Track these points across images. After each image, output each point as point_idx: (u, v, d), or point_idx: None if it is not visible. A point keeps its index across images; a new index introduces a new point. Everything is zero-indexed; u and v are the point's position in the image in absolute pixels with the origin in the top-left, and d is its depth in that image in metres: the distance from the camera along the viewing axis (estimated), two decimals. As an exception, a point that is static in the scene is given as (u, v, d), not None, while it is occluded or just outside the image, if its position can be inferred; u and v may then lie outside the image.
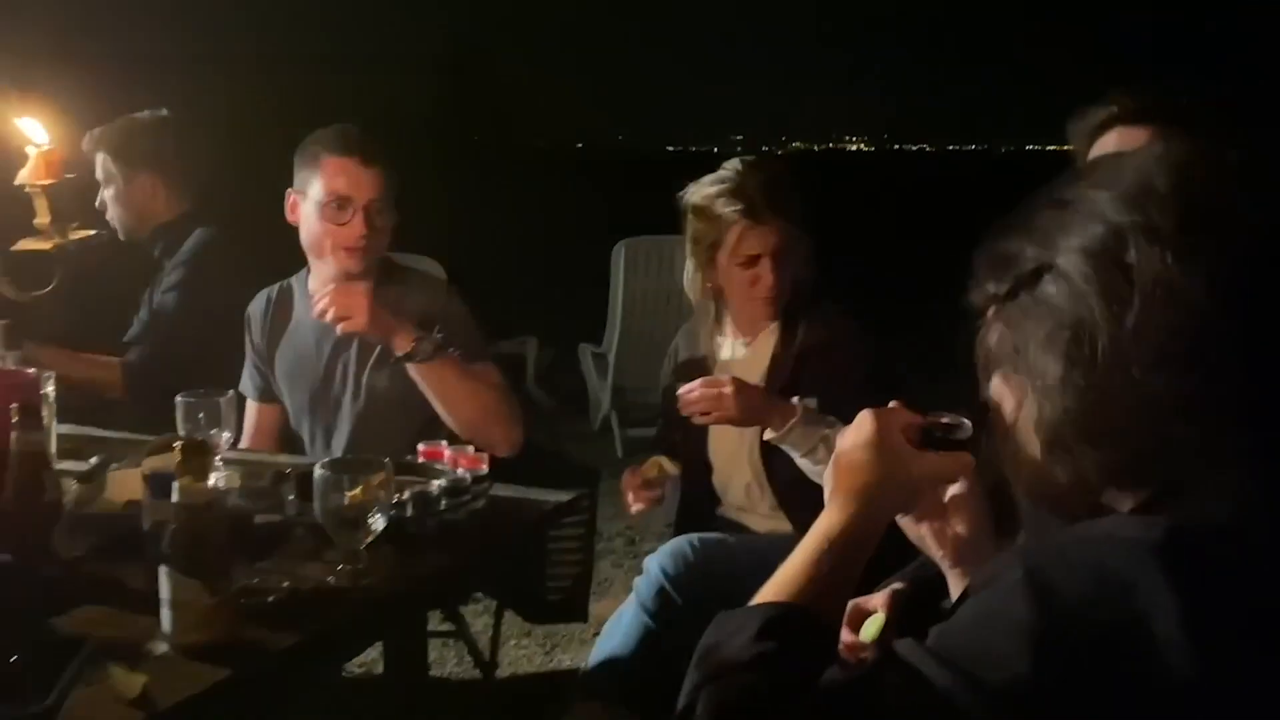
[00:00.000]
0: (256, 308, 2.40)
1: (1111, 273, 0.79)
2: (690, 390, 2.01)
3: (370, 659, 2.78)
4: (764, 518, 2.25)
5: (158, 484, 1.37)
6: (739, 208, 2.11)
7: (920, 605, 1.68)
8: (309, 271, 2.34)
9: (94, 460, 1.77)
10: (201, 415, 1.90)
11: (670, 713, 1.50)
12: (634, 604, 2.03)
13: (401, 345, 2.07)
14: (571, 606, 2.63)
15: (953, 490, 1.13)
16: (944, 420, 1.08)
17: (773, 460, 2.15)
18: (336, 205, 2.14)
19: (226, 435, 1.91)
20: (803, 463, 2.04)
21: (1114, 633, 0.73)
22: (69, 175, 1.74)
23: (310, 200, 2.17)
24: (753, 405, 2.01)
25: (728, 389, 1.98)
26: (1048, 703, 0.73)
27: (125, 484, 1.72)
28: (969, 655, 0.76)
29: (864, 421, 1.05)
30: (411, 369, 2.10)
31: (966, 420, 1.08)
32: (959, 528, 1.12)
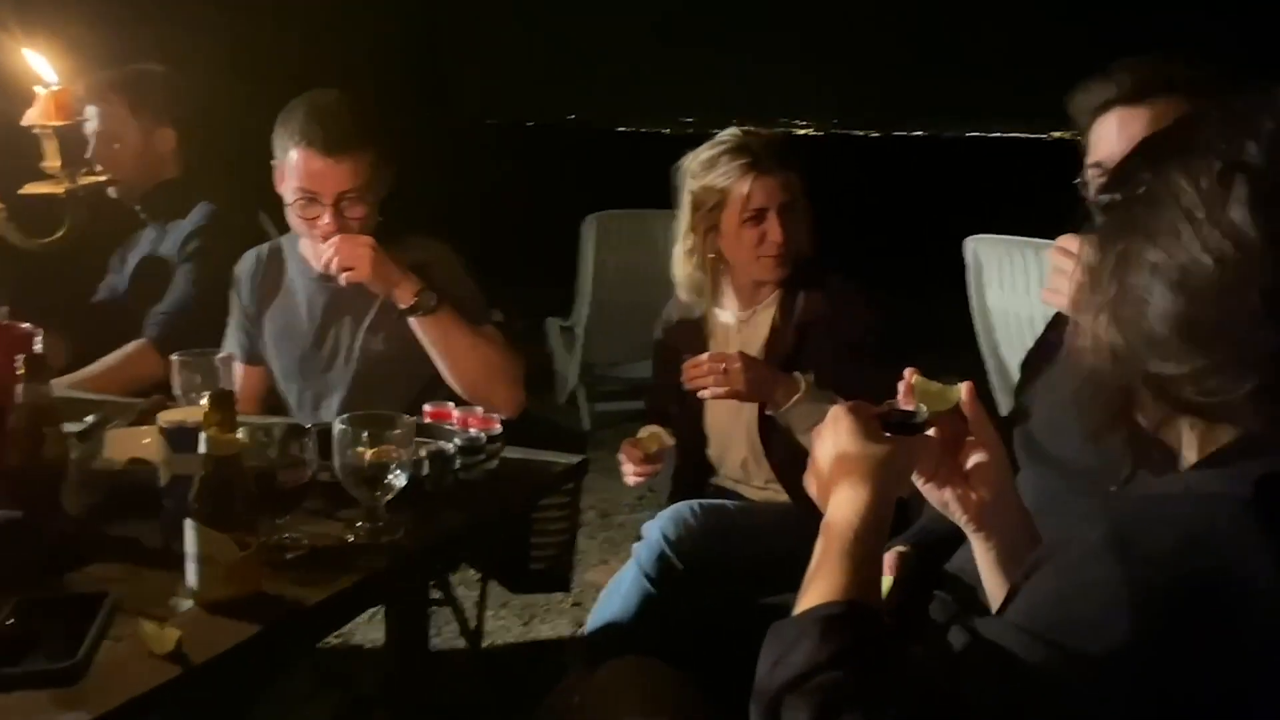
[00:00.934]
0: (245, 267, 2.34)
1: (1210, 210, 0.79)
2: (697, 364, 2.00)
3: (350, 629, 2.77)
4: (759, 489, 2.25)
5: (177, 437, 1.33)
6: (745, 161, 2.11)
7: (924, 565, 1.70)
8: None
9: (90, 419, 1.72)
10: (198, 375, 1.86)
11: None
12: (634, 569, 2.02)
13: (404, 298, 2.03)
14: (555, 576, 2.62)
15: (975, 457, 1.13)
16: (900, 408, 1.11)
17: (770, 434, 2.15)
18: (304, 201, 2.06)
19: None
20: (804, 438, 2.05)
21: (1211, 589, 0.72)
22: (82, 118, 1.67)
23: (286, 183, 2.10)
24: (760, 380, 2.01)
25: (736, 364, 1.98)
26: (1151, 665, 0.72)
27: (126, 442, 1.68)
28: (1063, 627, 0.75)
29: (841, 416, 1.07)
30: (414, 323, 2.06)
31: (923, 406, 1.11)
32: (982, 492, 1.13)
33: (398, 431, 1.42)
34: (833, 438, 1.06)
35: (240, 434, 1.25)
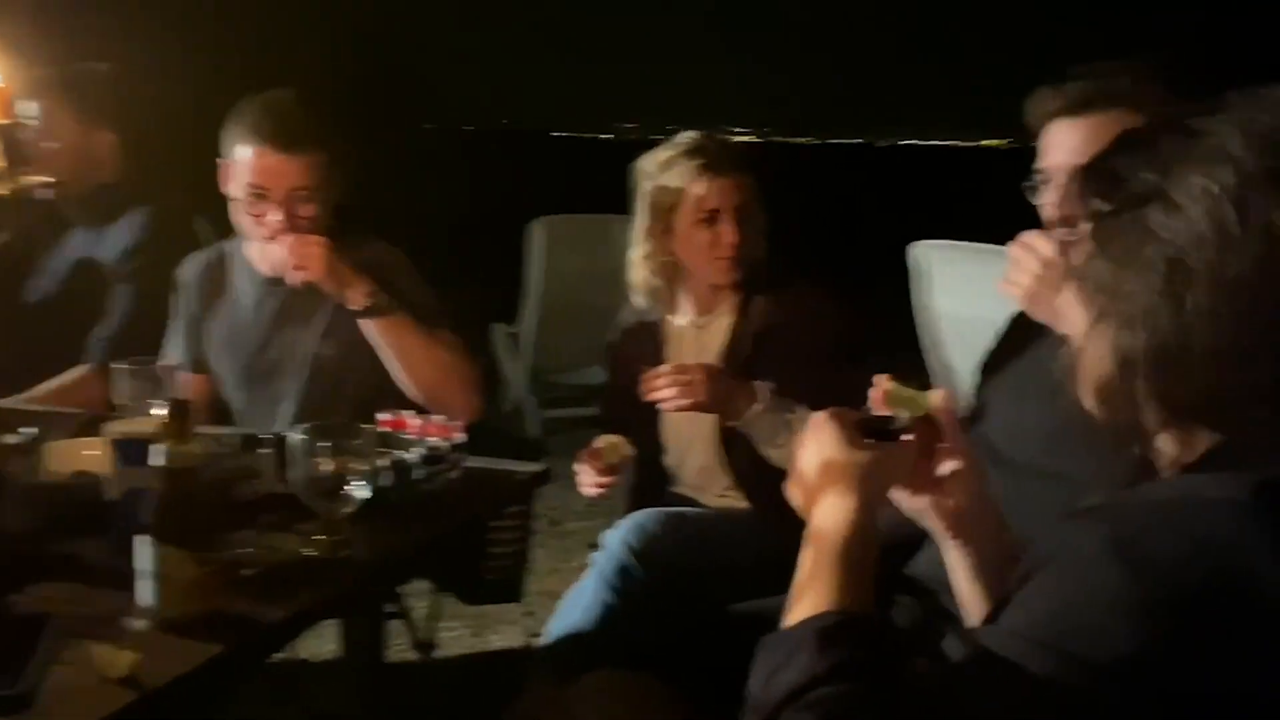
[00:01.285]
0: (188, 272, 2.27)
1: (1227, 215, 0.78)
2: (658, 377, 1.97)
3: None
4: (717, 496, 2.23)
5: (128, 450, 1.27)
6: (700, 162, 2.10)
7: (883, 569, 1.70)
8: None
9: (25, 432, 1.64)
10: (139, 385, 1.80)
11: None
12: (594, 579, 1.99)
13: (357, 299, 1.99)
14: (508, 587, 2.58)
15: (949, 464, 1.12)
16: (878, 414, 1.11)
17: (730, 442, 2.14)
18: (253, 197, 2.01)
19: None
20: (764, 447, 2.03)
21: (1215, 593, 0.72)
22: (29, 117, 1.60)
23: (236, 179, 2.04)
24: (721, 391, 1.98)
25: (698, 375, 1.95)
26: (1156, 671, 0.71)
27: (68, 455, 1.60)
28: (1068, 634, 0.74)
29: (823, 423, 1.06)
30: (367, 326, 2.02)
31: (902, 411, 1.10)
32: (957, 500, 1.12)
33: (359, 441, 1.38)
34: (816, 445, 1.04)
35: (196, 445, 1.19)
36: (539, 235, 4.97)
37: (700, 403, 1.97)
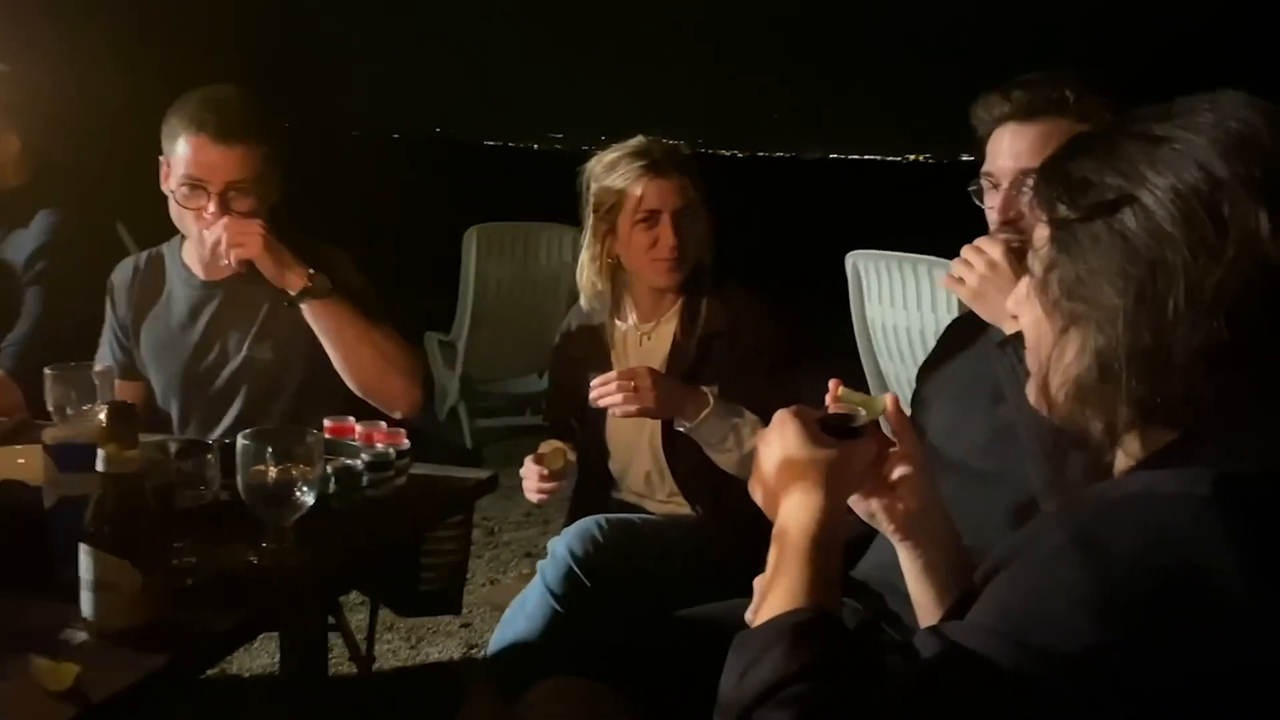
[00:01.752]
0: (121, 276, 2.21)
1: (1204, 221, 0.80)
2: (605, 383, 1.97)
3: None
4: (661, 503, 2.23)
5: (66, 456, 1.23)
6: (642, 164, 2.11)
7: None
8: (183, 239, 2.17)
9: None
10: (73, 390, 1.75)
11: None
12: (539, 587, 1.97)
13: (296, 281, 1.97)
14: (446, 599, 2.54)
15: (900, 468, 1.14)
16: (839, 412, 1.12)
17: (674, 448, 2.14)
18: (187, 189, 1.99)
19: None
20: (712, 451, 2.04)
21: (1178, 587, 0.73)
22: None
23: (174, 174, 2.02)
24: (669, 396, 1.98)
25: (646, 381, 1.95)
26: (1123, 663, 0.72)
27: (-4, 463, 1.55)
28: (1036, 628, 0.75)
29: (786, 421, 1.06)
30: (307, 311, 1.99)
31: (861, 410, 1.12)
32: (908, 502, 1.13)
33: (304, 448, 1.35)
34: (779, 443, 1.04)
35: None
36: (471, 243, 4.93)
37: (647, 408, 1.97)
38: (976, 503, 1.54)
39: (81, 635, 1.14)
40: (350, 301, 2.04)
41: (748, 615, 1.22)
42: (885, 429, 1.16)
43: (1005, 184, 1.63)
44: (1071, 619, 0.73)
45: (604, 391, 1.97)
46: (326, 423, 1.75)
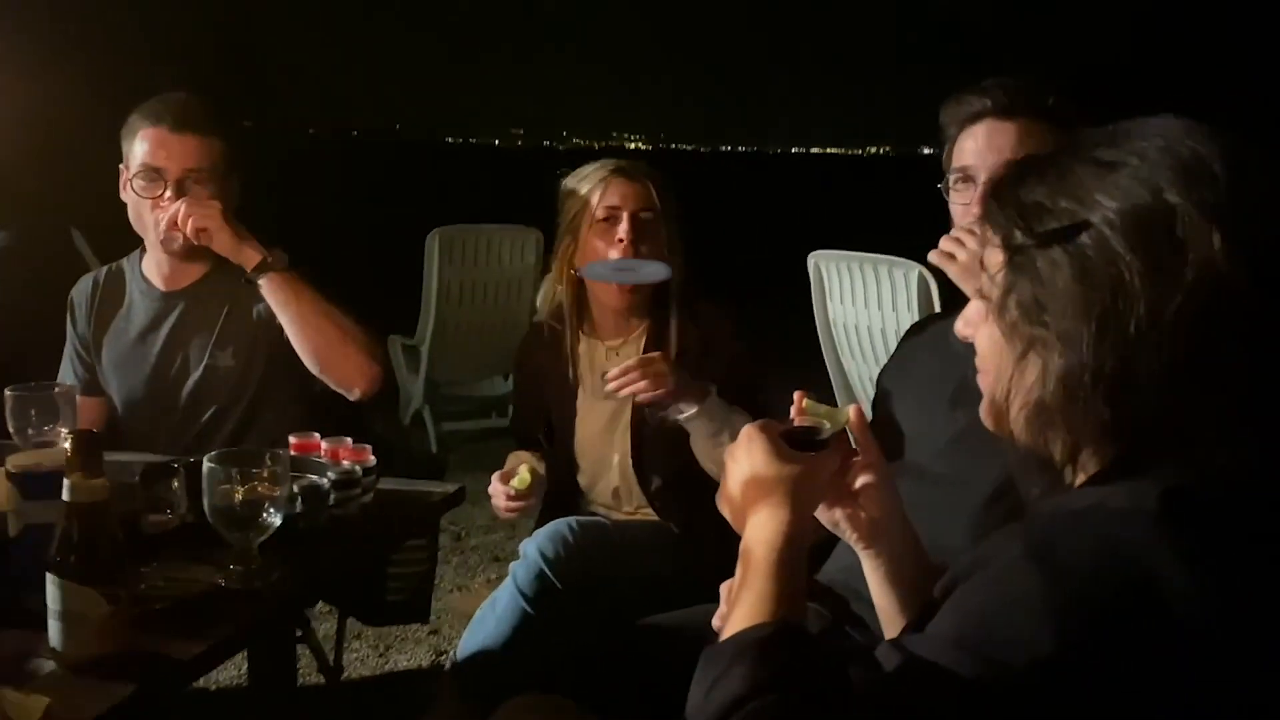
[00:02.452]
0: (80, 292, 2.21)
1: (1160, 244, 0.82)
2: (626, 371, 1.94)
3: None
4: (629, 515, 2.22)
5: (30, 484, 1.23)
6: (608, 168, 2.12)
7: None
8: (143, 252, 2.18)
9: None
10: (33, 411, 1.74)
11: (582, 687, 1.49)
12: (510, 590, 1.96)
13: (253, 258, 2.00)
14: (414, 608, 2.54)
15: (863, 478, 1.16)
16: (803, 425, 1.14)
17: (642, 463, 2.14)
18: (145, 177, 2.03)
19: (64, 432, 1.75)
20: (703, 445, 2.03)
21: (1128, 601, 0.75)
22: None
23: (131, 175, 2.06)
24: (680, 381, 1.98)
25: (664, 366, 1.95)
26: (1077, 676, 0.74)
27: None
28: (992, 640, 0.77)
29: (754, 437, 1.08)
30: (265, 288, 2.01)
31: (825, 423, 1.14)
32: (871, 511, 1.16)
33: (271, 469, 1.35)
34: (746, 459, 1.06)
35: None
36: (434, 246, 4.92)
37: (669, 391, 1.96)
38: (936, 506, 1.57)
39: (49, 665, 1.14)
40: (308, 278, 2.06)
41: (715, 622, 1.24)
42: (850, 439, 1.18)
43: (983, 177, 1.66)
44: (1027, 631, 0.75)
45: (625, 380, 1.94)
46: (292, 439, 1.74)
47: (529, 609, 1.93)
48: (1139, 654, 0.75)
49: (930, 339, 1.85)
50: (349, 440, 1.71)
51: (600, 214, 2.09)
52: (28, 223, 2.47)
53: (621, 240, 2.07)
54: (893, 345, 3.81)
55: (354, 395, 2.06)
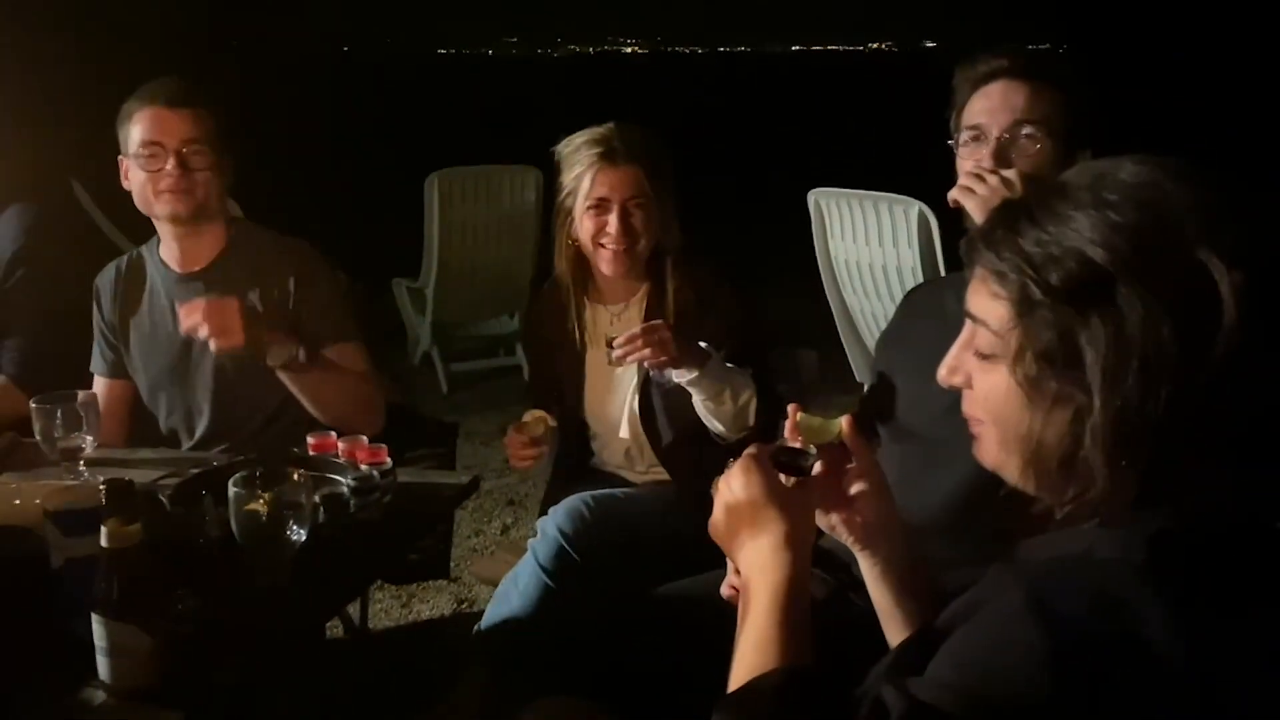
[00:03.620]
0: (105, 279, 2.30)
1: (1199, 311, 0.84)
2: (631, 340, 2.00)
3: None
4: (641, 474, 2.31)
5: (68, 522, 1.29)
6: (597, 151, 2.14)
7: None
8: (159, 240, 2.26)
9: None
10: (59, 418, 1.80)
11: (601, 679, 1.57)
12: (531, 565, 2.05)
13: (275, 358, 2.07)
14: (432, 566, 2.64)
15: (857, 485, 1.22)
16: (790, 447, 1.19)
17: (652, 423, 2.21)
18: (148, 153, 2.13)
19: (89, 438, 1.82)
20: (706, 405, 2.10)
21: (1117, 650, 0.80)
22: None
23: (130, 157, 2.15)
24: (682, 346, 2.04)
25: (666, 333, 2.00)
26: (1067, 718, 0.79)
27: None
28: (991, 685, 0.81)
29: (751, 468, 1.12)
30: (285, 376, 2.10)
31: (812, 446, 1.19)
32: (865, 515, 1.21)
33: (294, 487, 1.41)
34: (743, 489, 1.11)
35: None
36: (434, 188, 4.91)
37: (673, 356, 2.02)
38: (927, 470, 1.64)
39: (100, 695, 1.21)
40: (322, 324, 2.17)
41: (724, 591, 1.32)
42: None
43: (995, 134, 1.70)
44: (1023, 677, 0.80)
45: (631, 348, 2.00)
46: (310, 439, 1.81)
47: (550, 583, 2.02)
48: (1129, 701, 0.79)
49: (928, 306, 1.89)
50: (364, 439, 1.77)
51: (590, 203, 2.14)
52: (48, 212, 2.50)
53: (610, 232, 2.14)
54: (894, 281, 3.87)
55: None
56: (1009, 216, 0.96)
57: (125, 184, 2.19)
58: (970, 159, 1.76)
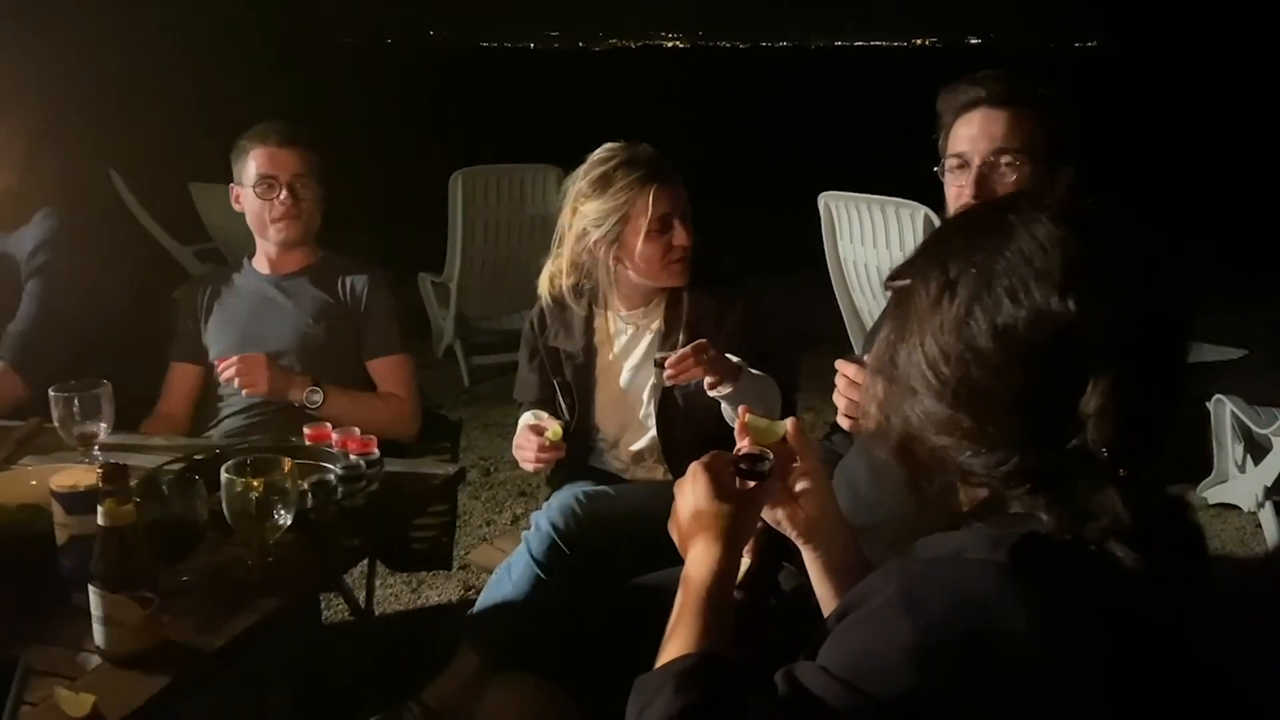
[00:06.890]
0: (188, 291, 2.67)
1: (1046, 341, 0.91)
2: (684, 358, 2.08)
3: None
4: (648, 471, 2.40)
5: (70, 501, 1.42)
6: (642, 173, 2.20)
7: (774, 540, 1.90)
8: (252, 255, 2.67)
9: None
10: (76, 407, 1.93)
11: (563, 660, 1.66)
12: (524, 556, 2.15)
13: (297, 396, 2.39)
14: (437, 555, 2.74)
15: (801, 482, 1.30)
16: (749, 453, 1.26)
17: (671, 426, 2.31)
18: (266, 185, 2.51)
19: (104, 426, 1.94)
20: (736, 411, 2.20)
21: (979, 647, 0.85)
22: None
23: (246, 187, 2.53)
24: (724, 362, 2.14)
25: (711, 352, 2.09)
26: (931, 710, 0.85)
27: (11, 486, 1.73)
28: (865, 675, 0.88)
29: (698, 475, 1.21)
30: (318, 410, 2.34)
31: (769, 452, 1.26)
32: (808, 510, 1.29)
33: (281, 473, 1.53)
34: (692, 494, 1.21)
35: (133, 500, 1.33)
36: (458, 186, 5.05)
37: (721, 374, 2.11)
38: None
39: (96, 659, 1.33)
40: (375, 340, 2.59)
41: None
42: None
43: (976, 162, 1.78)
44: (895, 670, 0.86)
45: (684, 367, 2.09)
46: (306, 430, 1.93)
47: (541, 573, 2.12)
48: (987, 695, 0.85)
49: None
50: (357, 430, 1.88)
51: (653, 224, 2.20)
52: (68, 212, 2.64)
53: (684, 246, 2.23)
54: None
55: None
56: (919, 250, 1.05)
57: (236, 207, 2.59)
58: (954, 185, 1.84)
